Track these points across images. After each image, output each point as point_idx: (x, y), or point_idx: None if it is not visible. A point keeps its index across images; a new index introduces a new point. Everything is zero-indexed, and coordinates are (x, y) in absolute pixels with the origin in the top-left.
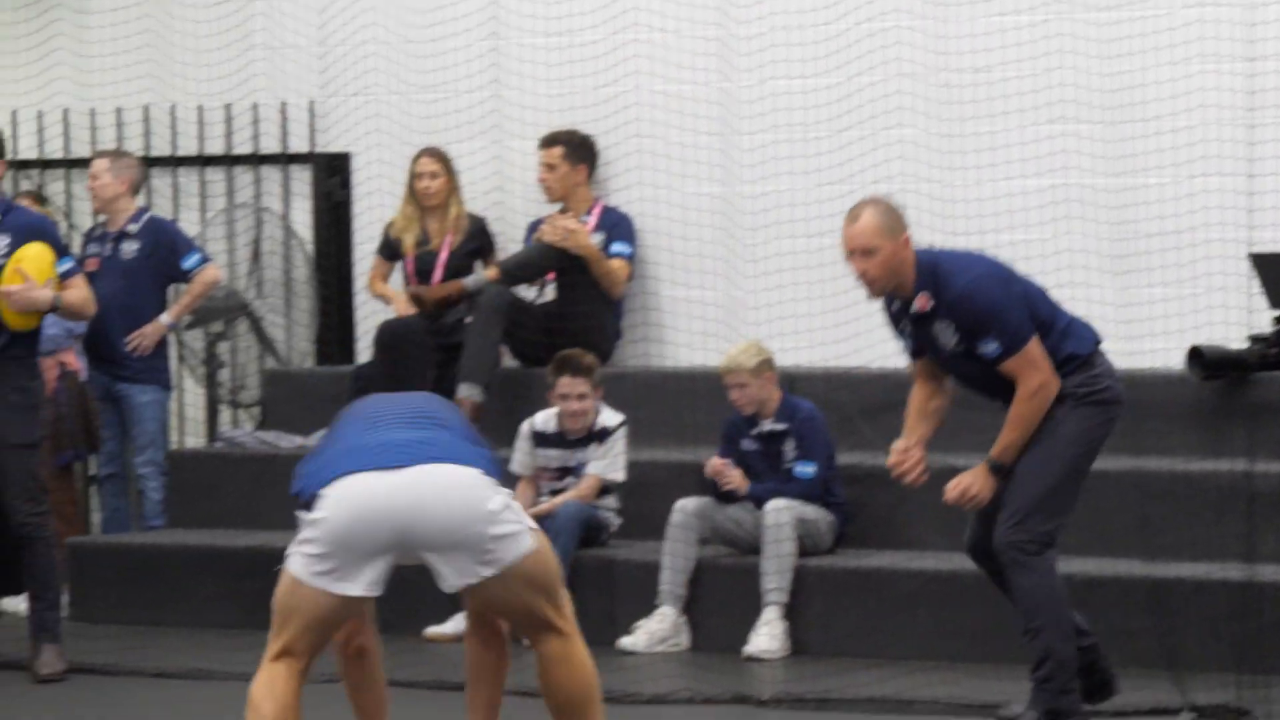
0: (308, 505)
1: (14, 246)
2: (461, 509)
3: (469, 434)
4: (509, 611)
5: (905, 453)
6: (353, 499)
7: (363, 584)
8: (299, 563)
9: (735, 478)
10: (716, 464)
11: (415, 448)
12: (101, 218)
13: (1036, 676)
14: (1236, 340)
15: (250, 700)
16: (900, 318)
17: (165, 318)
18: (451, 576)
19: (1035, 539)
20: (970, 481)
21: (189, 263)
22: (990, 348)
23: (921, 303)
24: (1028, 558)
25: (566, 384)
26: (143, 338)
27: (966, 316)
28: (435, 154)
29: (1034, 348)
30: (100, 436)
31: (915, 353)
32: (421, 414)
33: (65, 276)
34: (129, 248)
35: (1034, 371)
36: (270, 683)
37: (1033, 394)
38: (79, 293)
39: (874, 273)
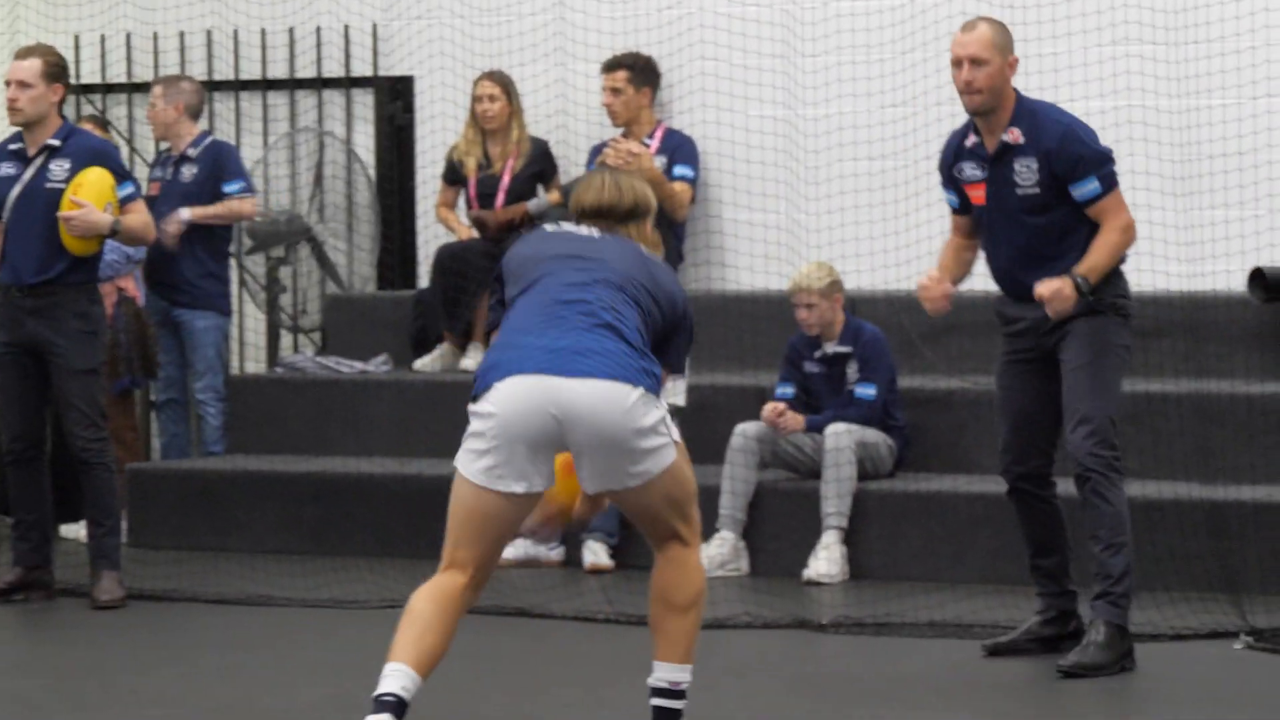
0: (475, 399)
1: (75, 171)
2: (617, 427)
3: (643, 338)
4: (641, 517)
5: (935, 281)
6: (519, 398)
7: (525, 482)
8: (464, 459)
9: (790, 422)
10: (771, 412)
11: (587, 358)
12: (165, 144)
13: (1115, 590)
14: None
15: (408, 604)
16: (965, 155)
17: (185, 213)
18: (595, 481)
19: (1116, 453)
20: (1061, 285)
21: (230, 188)
22: (1090, 186)
23: (1014, 135)
24: (1111, 473)
25: None
26: (164, 235)
27: (1069, 155)
28: (496, 77)
29: (1120, 192)
30: (158, 362)
31: (961, 208)
32: (606, 308)
33: (125, 201)
34: (188, 171)
35: (1124, 210)
36: (432, 589)
37: (1125, 228)
38: (138, 218)
39: (980, 83)
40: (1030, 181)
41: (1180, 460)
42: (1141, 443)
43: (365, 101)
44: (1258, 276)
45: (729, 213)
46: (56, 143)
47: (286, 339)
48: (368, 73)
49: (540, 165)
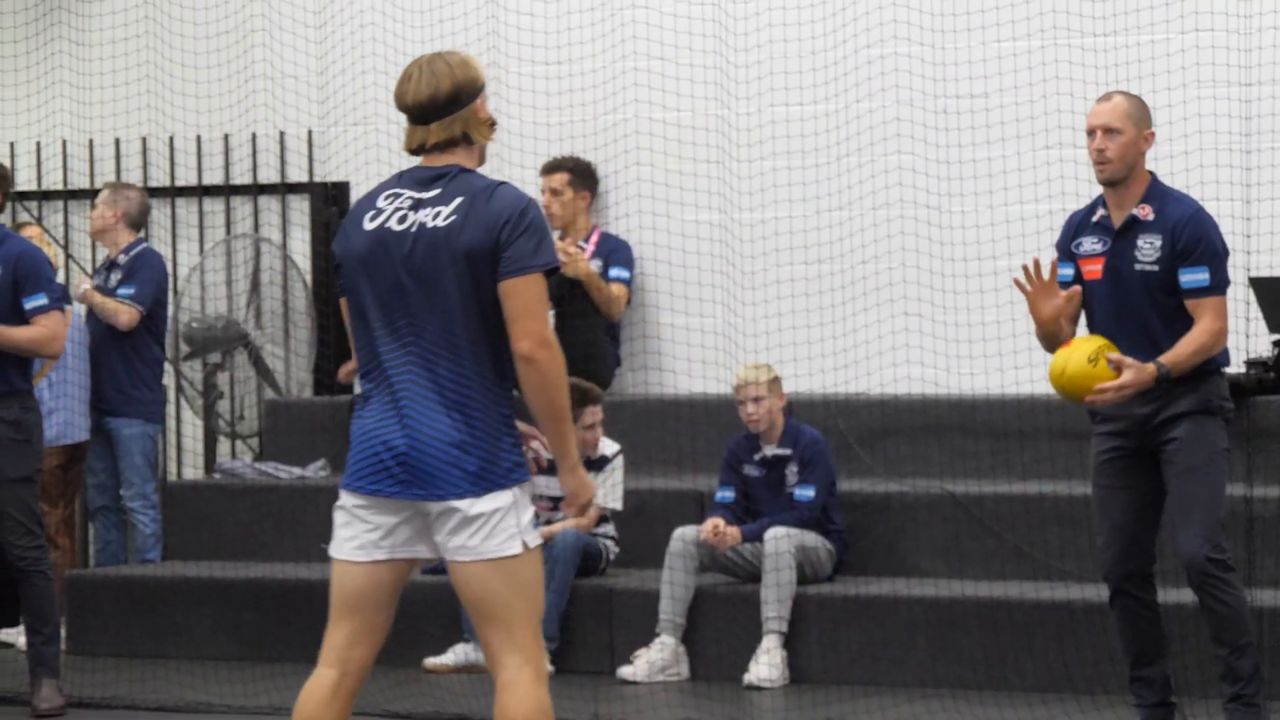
0: None
1: (4, 275)
2: None
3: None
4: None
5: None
6: None
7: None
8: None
9: (728, 539)
10: (708, 531)
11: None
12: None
13: (1247, 692)
14: (1234, 365)
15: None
16: (1087, 229)
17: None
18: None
19: (1228, 555)
20: (1134, 378)
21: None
22: (1200, 275)
23: (1144, 211)
24: (1226, 573)
25: (593, 413)
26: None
27: (1192, 239)
28: None
29: (1225, 300)
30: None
31: (1074, 283)
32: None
33: (33, 313)
34: (114, 278)
35: (1222, 316)
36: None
37: (1217, 333)
38: (33, 330)
39: (1111, 152)
40: (1151, 258)
41: None
42: (1080, 543)
43: (301, 207)
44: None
45: (665, 317)
46: None
47: (224, 444)
48: (303, 178)
49: None
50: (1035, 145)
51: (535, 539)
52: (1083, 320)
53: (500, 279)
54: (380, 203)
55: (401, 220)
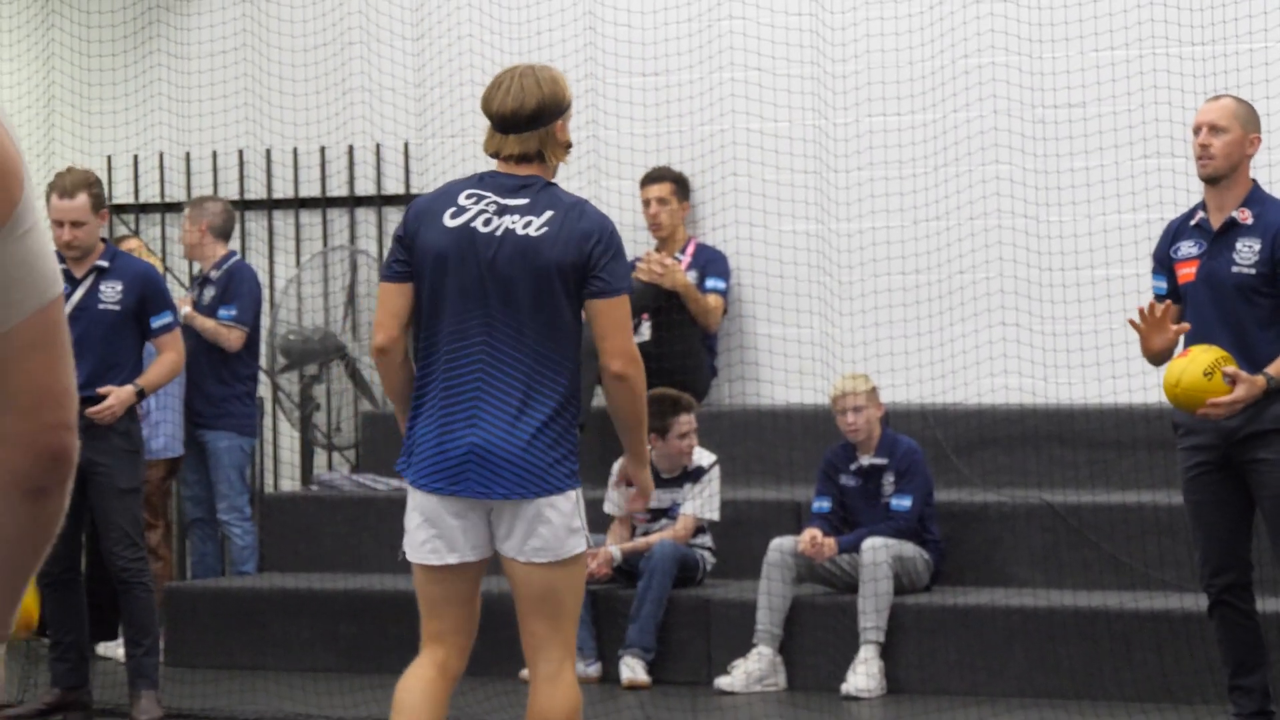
0: None
1: (125, 292)
2: None
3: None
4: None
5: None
6: None
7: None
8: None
9: (826, 550)
10: (807, 543)
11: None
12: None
13: None
14: None
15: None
16: (1185, 234)
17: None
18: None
19: None
20: (1247, 393)
21: (158, 321)
22: None
23: (1244, 215)
24: None
25: (686, 421)
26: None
27: None
28: None
29: None
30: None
31: (1168, 293)
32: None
33: (158, 333)
34: (208, 293)
35: None
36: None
37: None
38: (167, 360)
39: (1215, 149)
40: (1249, 261)
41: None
42: (1178, 555)
43: (397, 219)
44: None
45: (762, 328)
46: (104, 264)
47: (320, 456)
48: (400, 190)
49: None
50: (1133, 155)
51: (587, 542)
52: None
53: (591, 297)
54: (462, 200)
55: (487, 223)
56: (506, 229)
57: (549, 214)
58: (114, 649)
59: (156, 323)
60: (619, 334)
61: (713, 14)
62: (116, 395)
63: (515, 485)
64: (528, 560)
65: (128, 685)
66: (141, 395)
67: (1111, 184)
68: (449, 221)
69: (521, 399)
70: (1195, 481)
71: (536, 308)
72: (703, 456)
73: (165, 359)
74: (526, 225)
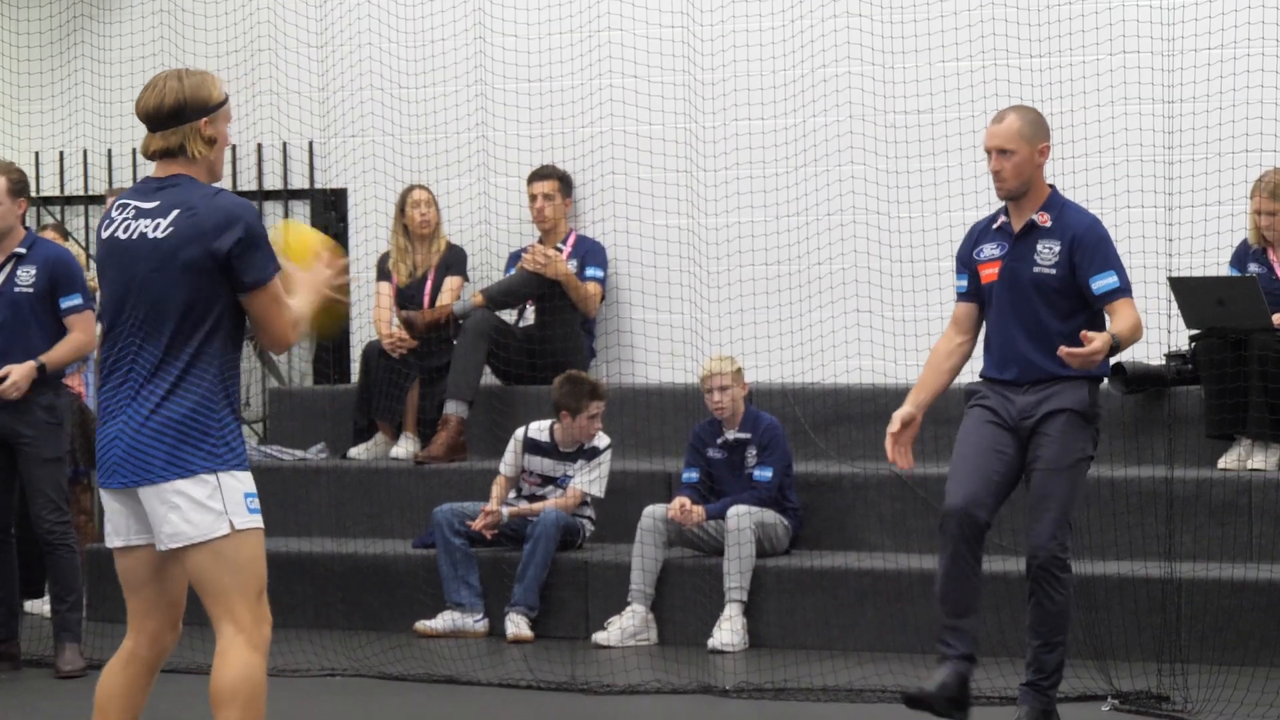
0: None
1: (39, 276)
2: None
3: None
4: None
5: (897, 437)
6: None
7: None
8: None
9: (694, 516)
10: (676, 510)
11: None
12: None
13: (1049, 682)
14: (1156, 358)
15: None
16: (988, 237)
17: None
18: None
19: (1068, 555)
20: (1101, 345)
21: (66, 303)
22: (1110, 280)
23: (1043, 218)
24: (1064, 574)
25: (597, 407)
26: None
27: (1093, 247)
28: (425, 189)
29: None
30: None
31: (969, 292)
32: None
33: (68, 313)
34: None
35: (1137, 313)
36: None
37: (1137, 325)
38: (74, 340)
39: (1007, 172)
40: (1049, 262)
41: None
42: (1015, 521)
43: (302, 212)
44: (1119, 371)
45: (637, 313)
46: (23, 250)
47: None
48: (305, 185)
49: (457, 270)
50: (976, 157)
51: (245, 521)
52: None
53: (241, 291)
54: (114, 212)
55: (126, 229)
56: (140, 233)
57: (175, 213)
58: (40, 605)
59: (66, 303)
60: (274, 323)
61: (593, 25)
62: (17, 370)
63: (144, 473)
64: (173, 547)
65: (53, 638)
66: (42, 371)
67: (956, 184)
68: (103, 233)
69: (164, 391)
70: (979, 423)
71: (177, 304)
72: (601, 439)
73: (72, 338)
74: (155, 227)
